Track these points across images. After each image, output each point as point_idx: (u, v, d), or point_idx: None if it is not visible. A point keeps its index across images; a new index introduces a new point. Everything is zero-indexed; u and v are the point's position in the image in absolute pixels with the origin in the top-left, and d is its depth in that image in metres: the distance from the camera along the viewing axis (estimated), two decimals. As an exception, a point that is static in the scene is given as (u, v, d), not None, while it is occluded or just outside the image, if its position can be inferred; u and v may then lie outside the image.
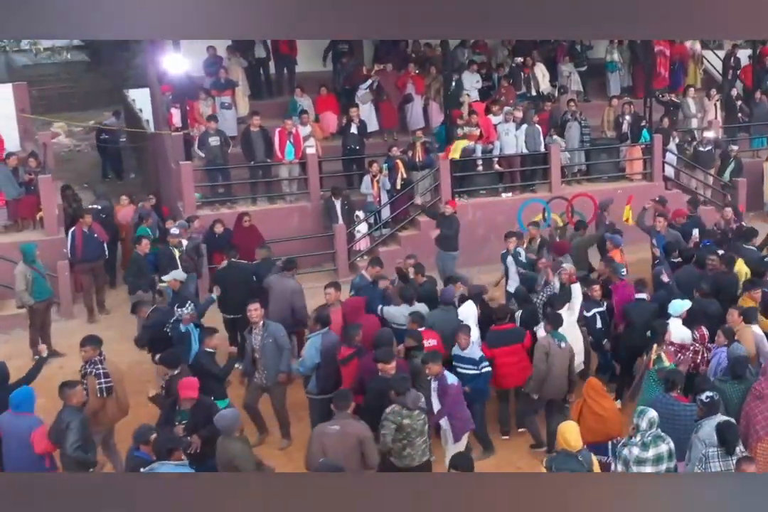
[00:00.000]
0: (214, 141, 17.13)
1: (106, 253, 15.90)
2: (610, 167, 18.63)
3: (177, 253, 14.29)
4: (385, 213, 17.12)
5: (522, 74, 19.82)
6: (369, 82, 19.07)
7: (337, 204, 16.76)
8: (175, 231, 14.51)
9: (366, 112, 19.19)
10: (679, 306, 11.18)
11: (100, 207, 17.03)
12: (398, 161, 16.87)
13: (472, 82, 19.53)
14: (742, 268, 12.62)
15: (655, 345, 10.32)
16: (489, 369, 10.68)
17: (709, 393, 8.76)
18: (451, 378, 9.97)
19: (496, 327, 11.13)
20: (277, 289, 12.51)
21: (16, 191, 16.55)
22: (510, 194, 17.67)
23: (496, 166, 17.78)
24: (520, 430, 11.40)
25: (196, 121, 18.18)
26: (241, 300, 11.72)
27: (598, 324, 12.12)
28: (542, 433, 11.00)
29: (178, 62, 18.04)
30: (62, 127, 27.52)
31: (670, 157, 18.50)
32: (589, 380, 9.90)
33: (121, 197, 17.80)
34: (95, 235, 15.52)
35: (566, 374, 10.67)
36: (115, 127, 23.60)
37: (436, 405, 9.94)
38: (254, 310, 10.90)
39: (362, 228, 16.94)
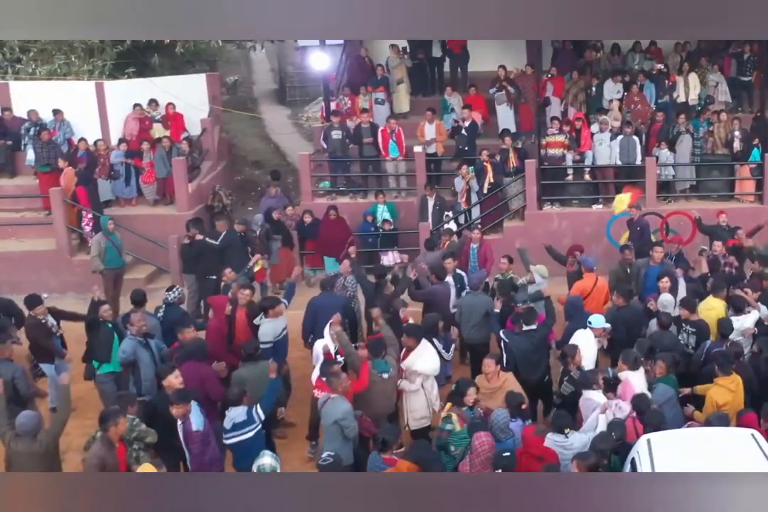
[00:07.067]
0: (336, 134, 18.38)
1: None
2: (721, 185, 17.39)
3: None
4: (475, 214, 17.37)
5: (666, 82, 18.86)
6: (497, 85, 19.31)
7: (430, 202, 17.34)
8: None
9: (503, 114, 19.51)
10: (601, 320, 10.99)
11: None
12: (487, 165, 17.11)
13: (613, 92, 19.03)
14: (710, 314, 11.37)
15: (448, 404, 9.53)
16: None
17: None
18: (197, 424, 8.90)
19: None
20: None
21: (166, 171, 18.85)
22: (601, 206, 17.17)
23: (587, 176, 17.35)
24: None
25: (355, 115, 19.49)
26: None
27: None
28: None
29: (323, 60, 19.65)
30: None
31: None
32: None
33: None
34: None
35: (391, 404, 10.25)
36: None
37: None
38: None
39: (450, 227, 17.30)
